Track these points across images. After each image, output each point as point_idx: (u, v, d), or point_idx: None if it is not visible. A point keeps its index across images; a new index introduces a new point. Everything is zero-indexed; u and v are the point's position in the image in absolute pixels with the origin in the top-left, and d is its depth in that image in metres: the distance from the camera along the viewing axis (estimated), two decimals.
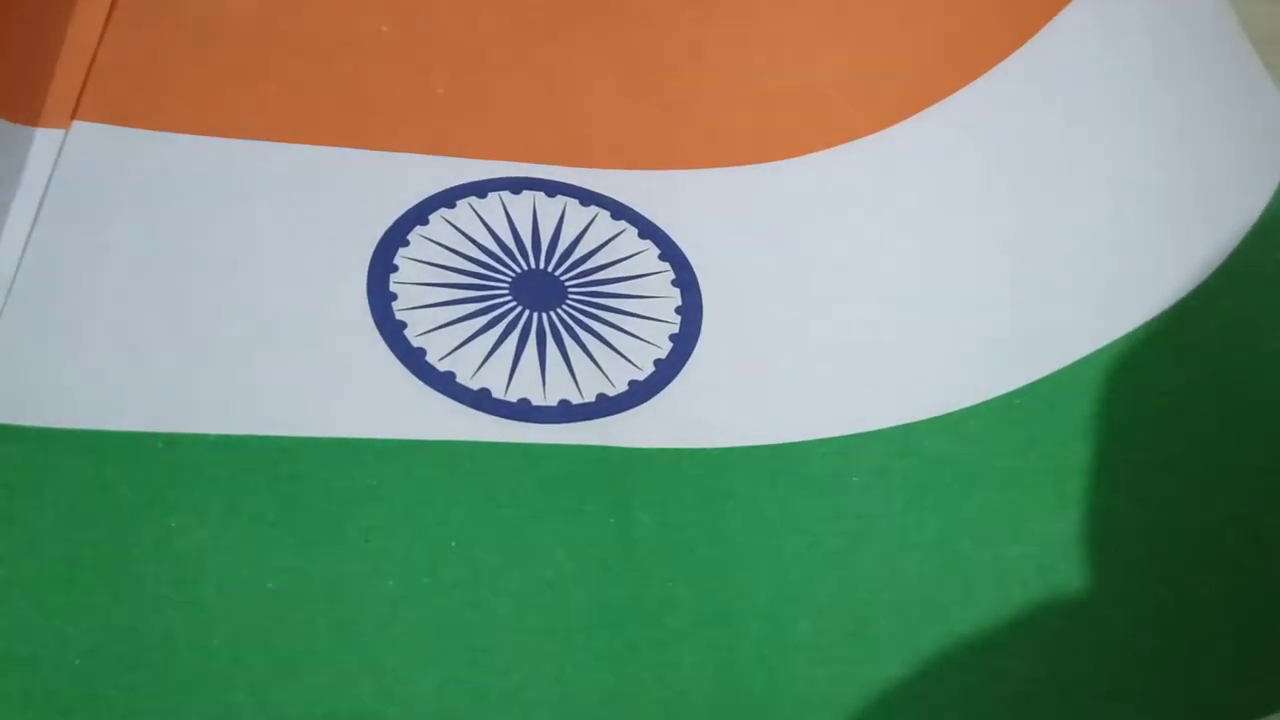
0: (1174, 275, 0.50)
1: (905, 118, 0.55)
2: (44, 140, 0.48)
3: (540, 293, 0.49)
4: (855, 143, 0.55)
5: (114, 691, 0.38)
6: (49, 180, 0.47)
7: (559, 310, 0.49)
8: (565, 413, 0.46)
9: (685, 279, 0.51)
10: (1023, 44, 0.55)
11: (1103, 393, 0.48)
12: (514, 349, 0.48)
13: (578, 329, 0.49)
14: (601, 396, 0.47)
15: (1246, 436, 0.47)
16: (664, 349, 0.49)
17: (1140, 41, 0.55)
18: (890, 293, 0.51)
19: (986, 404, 0.48)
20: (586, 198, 0.53)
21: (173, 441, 0.42)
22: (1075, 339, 0.49)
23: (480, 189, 0.52)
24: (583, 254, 0.51)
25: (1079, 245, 0.51)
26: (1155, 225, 0.51)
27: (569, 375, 0.47)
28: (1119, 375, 0.48)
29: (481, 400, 0.46)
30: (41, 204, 0.47)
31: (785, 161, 0.55)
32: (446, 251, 0.50)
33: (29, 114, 0.48)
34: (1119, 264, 0.51)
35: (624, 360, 0.48)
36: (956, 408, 0.48)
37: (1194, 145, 0.53)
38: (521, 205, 0.52)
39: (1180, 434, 0.47)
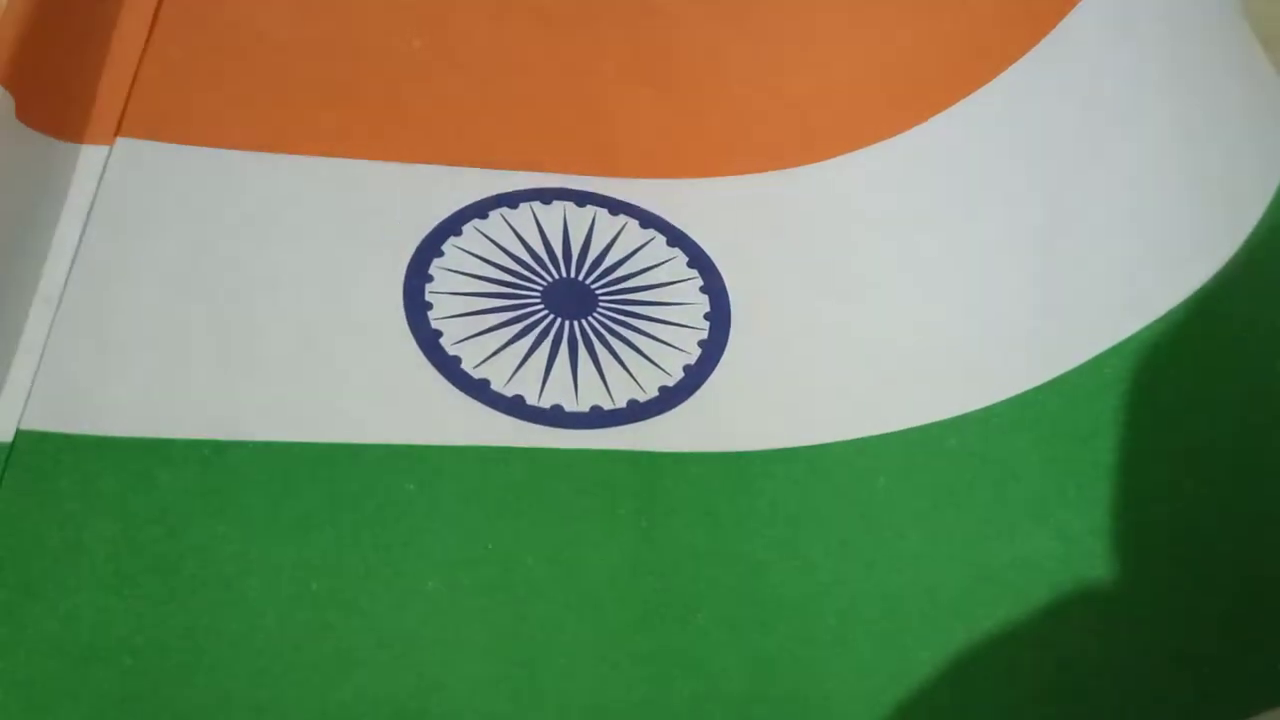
0: (1191, 266, 0.50)
1: (922, 120, 0.56)
2: (89, 157, 0.50)
3: (572, 301, 0.50)
4: (874, 147, 0.55)
5: (165, 688, 0.39)
6: (95, 196, 0.49)
7: (590, 318, 0.50)
8: (597, 418, 0.47)
9: (713, 285, 0.52)
10: (1036, 42, 0.56)
11: (1126, 386, 0.48)
12: (547, 356, 0.49)
13: (609, 336, 0.50)
14: (633, 402, 0.48)
15: (1271, 422, 0.47)
16: (693, 355, 0.50)
17: (1153, 36, 0.55)
18: (913, 294, 0.52)
19: (1009, 401, 0.48)
20: (616, 207, 0.54)
21: (219, 448, 0.44)
22: (1096, 334, 0.49)
23: (512, 200, 0.53)
24: (613, 262, 0.52)
25: (1098, 240, 0.51)
26: (1172, 216, 0.51)
27: (600, 382, 0.48)
28: (1141, 368, 0.48)
29: (516, 407, 0.47)
30: (88, 219, 0.48)
31: (808, 167, 0.55)
32: (480, 261, 0.51)
33: (74, 131, 0.50)
34: (1138, 257, 0.51)
35: (654, 366, 0.49)
36: (980, 406, 0.48)
37: (1208, 136, 0.53)
38: (552, 215, 0.53)
39: (1204, 423, 0.47)
